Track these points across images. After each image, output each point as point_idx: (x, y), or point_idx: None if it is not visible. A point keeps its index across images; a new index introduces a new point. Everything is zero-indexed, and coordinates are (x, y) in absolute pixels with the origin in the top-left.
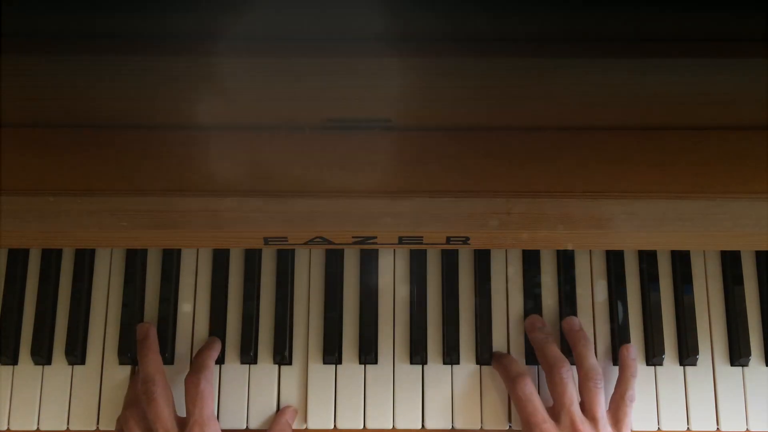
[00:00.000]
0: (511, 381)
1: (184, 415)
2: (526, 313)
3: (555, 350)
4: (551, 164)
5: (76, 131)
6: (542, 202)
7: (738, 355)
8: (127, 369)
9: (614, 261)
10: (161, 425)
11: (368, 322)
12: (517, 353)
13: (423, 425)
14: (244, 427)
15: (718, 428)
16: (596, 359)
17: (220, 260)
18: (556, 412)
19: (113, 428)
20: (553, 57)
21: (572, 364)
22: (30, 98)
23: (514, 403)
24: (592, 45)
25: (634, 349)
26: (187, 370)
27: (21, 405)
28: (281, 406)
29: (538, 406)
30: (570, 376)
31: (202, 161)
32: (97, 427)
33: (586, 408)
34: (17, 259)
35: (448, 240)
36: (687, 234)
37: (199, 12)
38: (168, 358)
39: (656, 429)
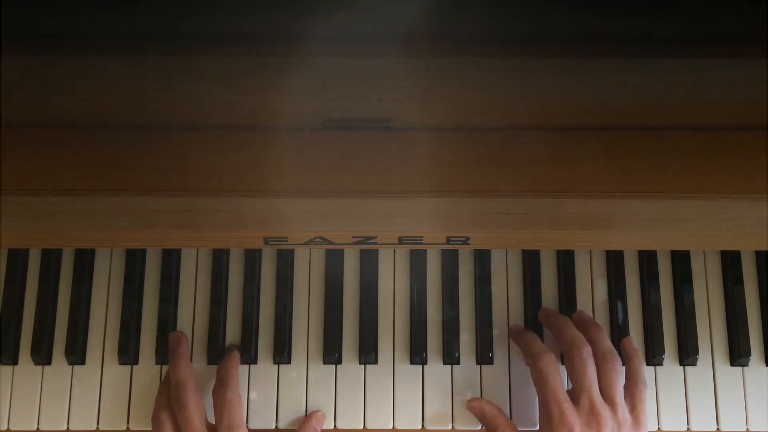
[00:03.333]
0: (533, 356)
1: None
2: (526, 313)
3: (575, 331)
4: (551, 164)
5: (76, 131)
6: (542, 202)
7: (738, 355)
8: (128, 369)
9: (614, 261)
10: (192, 431)
11: (368, 322)
12: (518, 353)
13: (423, 425)
14: None
15: (718, 428)
16: (610, 344)
17: (220, 260)
18: (575, 394)
19: (113, 428)
20: (553, 57)
21: None
22: (30, 98)
23: (534, 379)
24: (592, 45)
25: (634, 339)
26: None
27: (21, 405)
28: (281, 405)
29: (560, 385)
30: (591, 357)
31: (203, 161)
32: (97, 427)
33: (605, 391)
34: (17, 259)
35: (448, 240)
36: (687, 234)
37: (200, 12)
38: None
39: (656, 429)
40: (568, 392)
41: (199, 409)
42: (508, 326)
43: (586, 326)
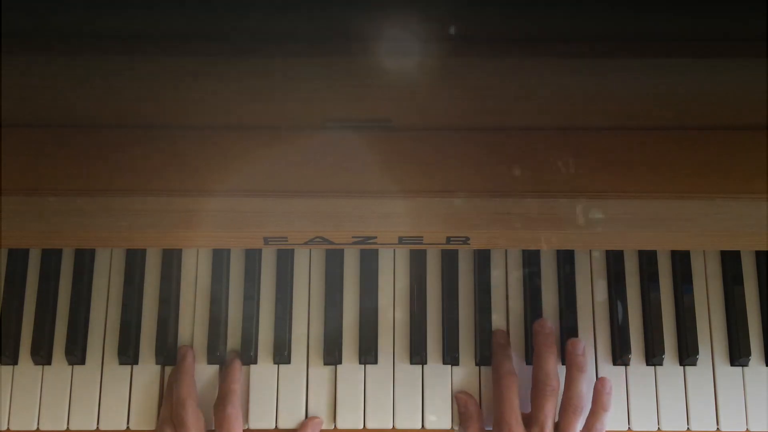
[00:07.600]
0: (498, 376)
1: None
2: (526, 313)
3: (552, 365)
4: (551, 164)
5: (76, 131)
6: (542, 202)
7: (738, 355)
8: (128, 369)
9: (614, 261)
10: None
11: (368, 322)
12: (517, 353)
13: (423, 425)
14: (245, 427)
15: (718, 428)
16: (585, 389)
17: (220, 260)
18: (530, 421)
19: (113, 428)
20: (552, 57)
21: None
22: (30, 98)
23: (494, 396)
24: (593, 45)
25: (610, 383)
26: None
27: (21, 405)
28: (281, 405)
29: (515, 408)
30: (555, 394)
31: (203, 161)
32: (97, 427)
33: (560, 429)
34: (17, 259)
35: (448, 240)
36: (687, 234)
37: (200, 12)
38: (169, 359)
39: (656, 429)
40: (526, 416)
41: (198, 427)
42: (508, 327)
43: (571, 363)
